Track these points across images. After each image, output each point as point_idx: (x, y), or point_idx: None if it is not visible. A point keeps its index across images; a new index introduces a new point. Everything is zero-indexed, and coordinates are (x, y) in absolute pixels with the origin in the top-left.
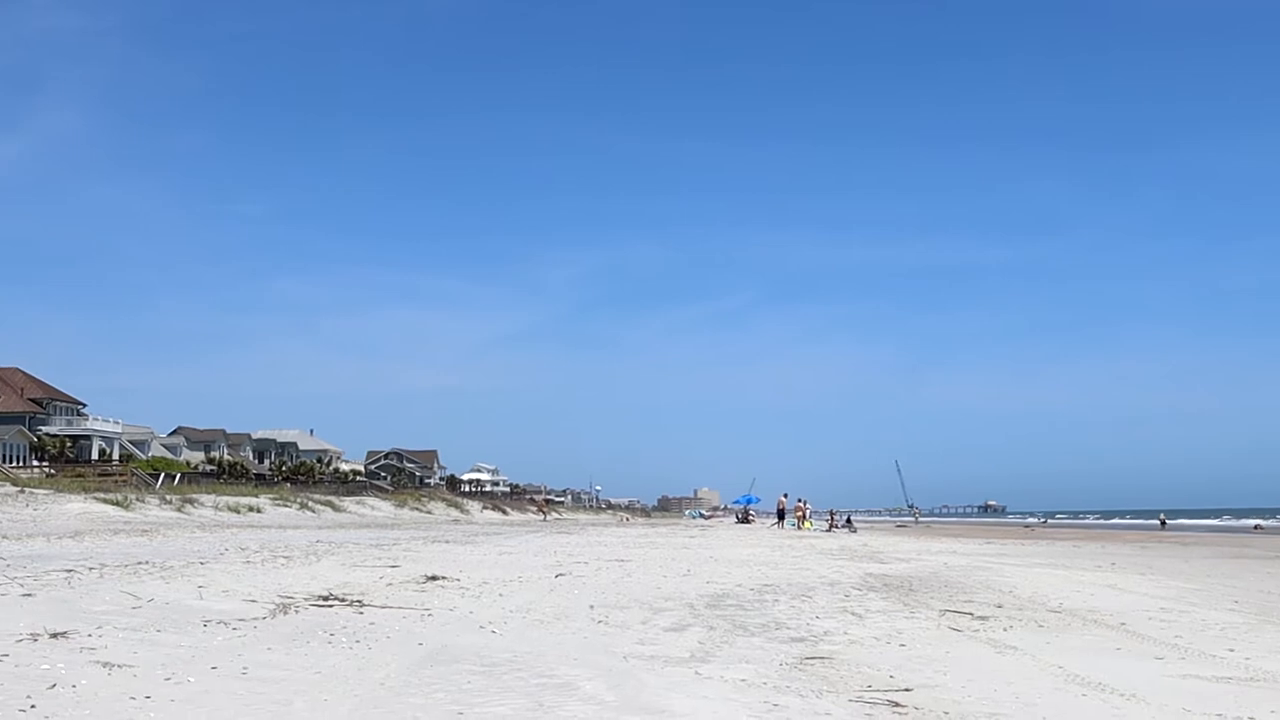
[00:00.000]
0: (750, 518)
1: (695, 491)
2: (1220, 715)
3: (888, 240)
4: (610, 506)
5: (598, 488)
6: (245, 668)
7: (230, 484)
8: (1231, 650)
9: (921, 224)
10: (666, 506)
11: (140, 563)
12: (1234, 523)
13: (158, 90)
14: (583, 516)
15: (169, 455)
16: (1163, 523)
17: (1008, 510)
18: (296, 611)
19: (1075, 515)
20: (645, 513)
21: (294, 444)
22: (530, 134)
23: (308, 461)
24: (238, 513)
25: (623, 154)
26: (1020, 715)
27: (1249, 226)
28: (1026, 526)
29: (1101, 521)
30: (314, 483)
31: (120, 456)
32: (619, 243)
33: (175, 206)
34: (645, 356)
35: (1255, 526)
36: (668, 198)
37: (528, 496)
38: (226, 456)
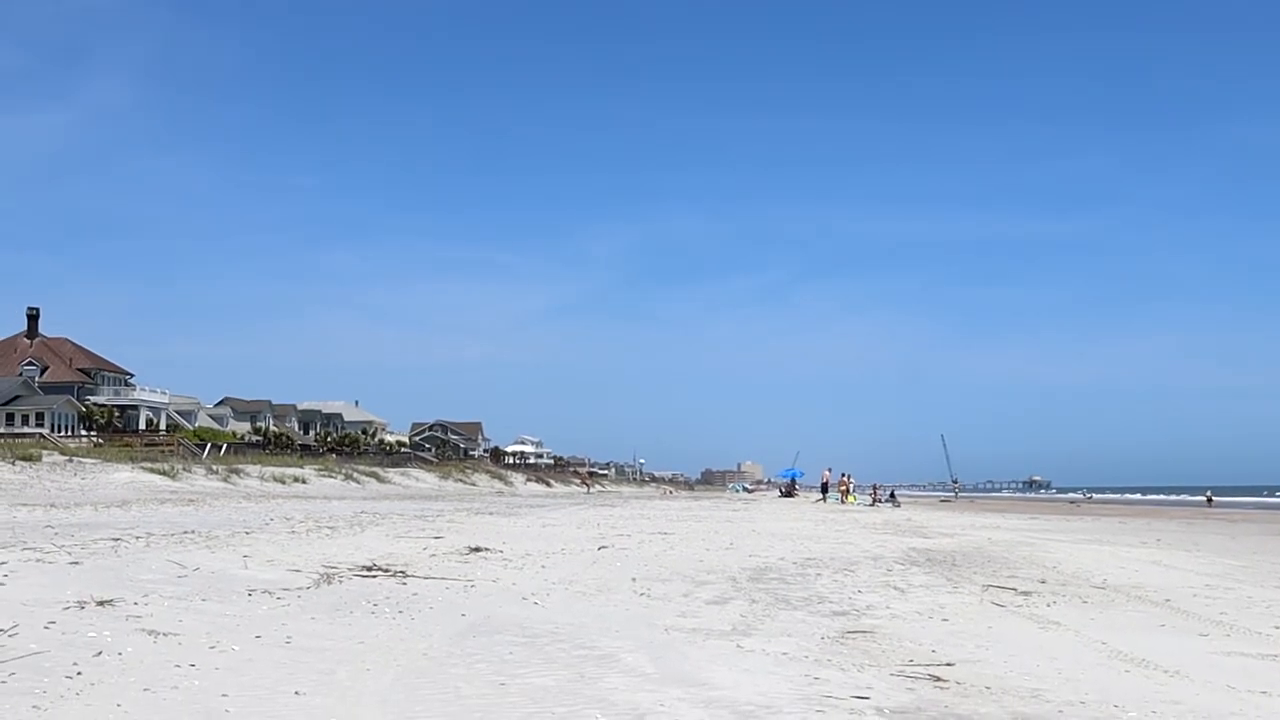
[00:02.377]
0: (794, 492)
1: (739, 465)
2: (1265, 692)
3: (931, 214)
4: (653, 480)
5: (641, 461)
6: (289, 637)
7: (276, 454)
8: (1278, 628)
9: (965, 198)
10: (710, 480)
11: (186, 532)
12: None
13: (207, 62)
14: (626, 489)
15: (215, 425)
16: (1209, 500)
17: (1052, 486)
18: (340, 582)
19: (1120, 491)
20: (689, 486)
21: (339, 415)
22: (573, 109)
23: (352, 433)
24: (283, 483)
25: (664, 128)
26: (1062, 691)
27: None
28: (1071, 502)
29: (1146, 498)
30: (359, 454)
31: (167, 426)
32: (661, 216)
33: (224, 178)
34: (688, 329)
35: None
36: (709, 171)
37: (571, 469)
38: (272, 427)
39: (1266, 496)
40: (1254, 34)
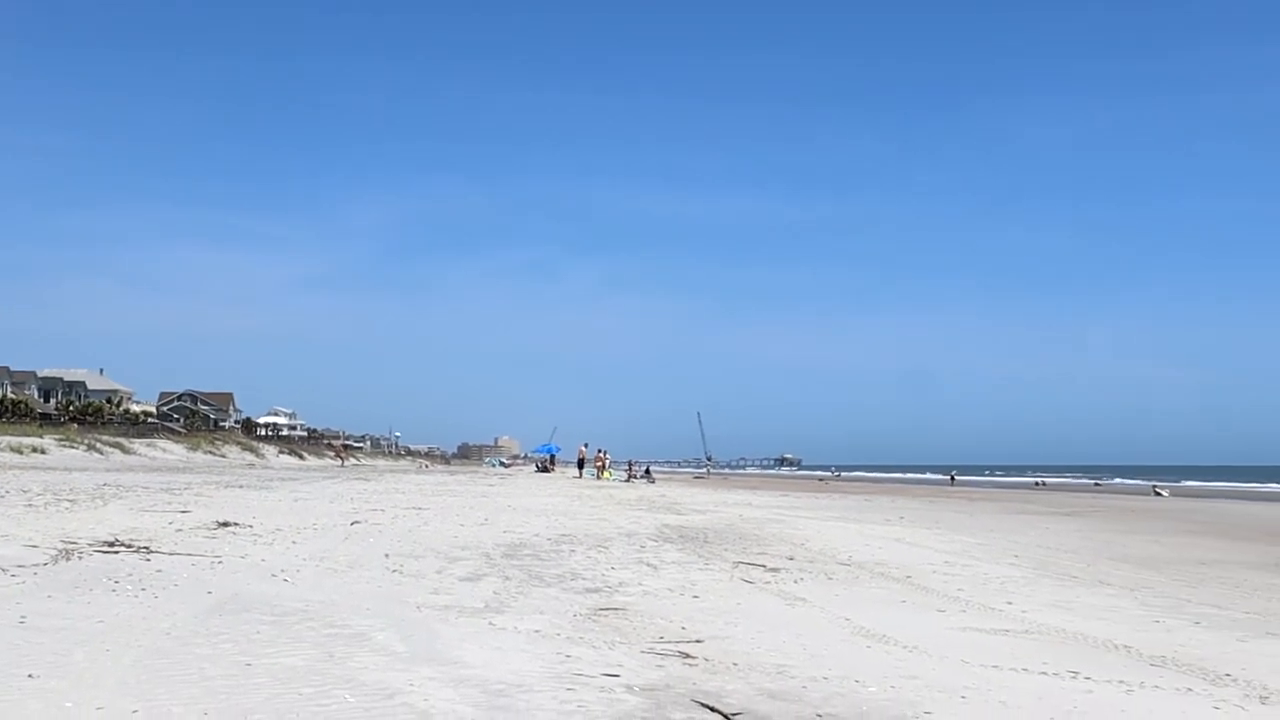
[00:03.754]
0: (551, 467)
1: (496, 439)
2: (996, 666)
3: (694, 195)
4: (410, 453)
5: (397, 434)
6: (23, 616)
7: (13, 423)
8: (1010, 603)
9: (727, 178)
10: (466, 454)
11: None
12: (1018, 479)
13: None
14: (381, 463)
15: None
16: (953, 479)
17: (803, 463)
18: (80, 558)
19: (868, 470)
20: (445, 460)
21: (82, 383)
22: (341, 73)
23: (97, 402)
24: (20, 453)
25: (431, 99)
26: (807, 666)
27: (1021, 189)
28: (820, 479)
29: (892, 475)
30: (103, 424)
31: None
32: (424, 188)
33: None
34: (449, 302)
35: (1037, 483)
36: (476, 144)
37: (326, 442)
38: (10, 394)
39: (999, 476)
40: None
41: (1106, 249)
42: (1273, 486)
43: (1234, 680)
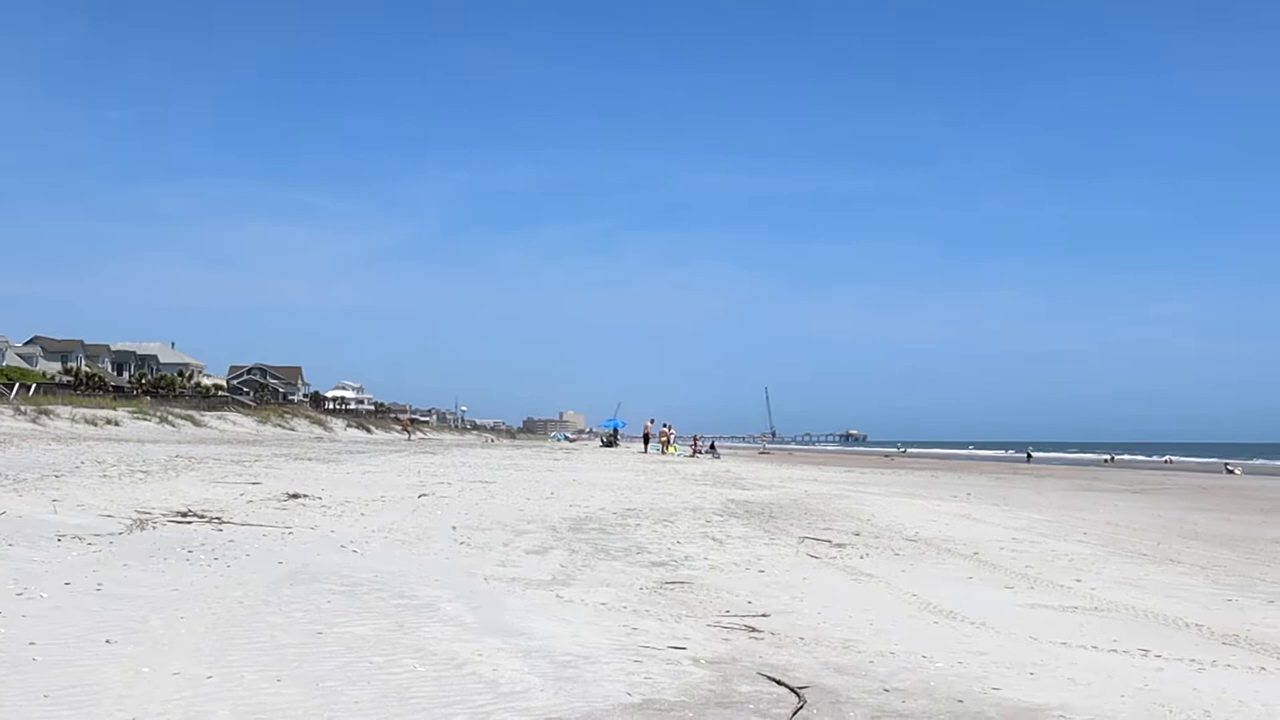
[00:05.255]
0: (616, 442)
1: (561, 414)
2: (1065, 643)
3: (759, 168)
4: (475, 427)
5: (463, 408)
6: (100, 584)
7: (88, 396)
8: (1078, 580)
9: (793, 152)
10: (532, 428)
11: None
12: (1087, 456)
13: None
14: (447, 437)
15: (24, 365)
16: (1029, 456)
17: (869, 439)
18: (154, 527)
19: (934, 446)
20: (510, 434)
21: (154, 357)
22: (402, 52)
23: (169, 375)
24: (95, 425)
25: (496, 75)
26: (874, 641)
27: (1117, 166)
28: (886, 455)
29: (960, 452)
30: (175, 397)
31: None
32: (489, 163)
33: (32, 111)
34: (514, 277)
35: (1106, 460)
36: (539, 119)
37: (392, 415)
38: (85, 368)
39: (1074, 453)
40: None
41: (1175, 224)
42: None
43: None
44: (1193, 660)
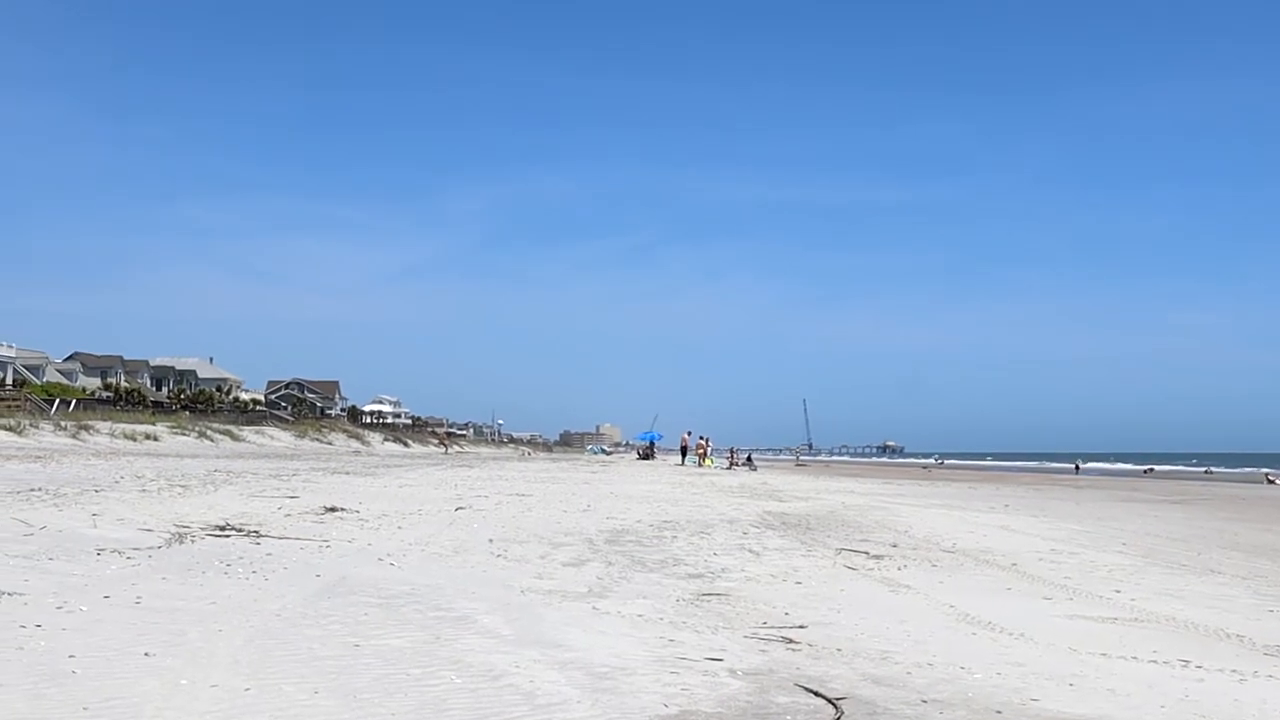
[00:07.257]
0: (652, 454)
1: (597, 427)
2: (1105, 654)
3: (793, 179)
4: (512, 440)
5: (500, 421)
6: (139, 597)
7: (127, 411)
8: (1118, 591)
9: (826, 163)
10: (568, 441)
11: (33, 489)
12: (1126, 466)
13: (46, 3)
14: (484, 450)
15: (64, 381)
16: (1077, 467)
17: (905, 450)
18: (192, 541)
19: (971, 458)
20: (547, 447)
21: (193, 372)
22: (436, 67)
23: (207, 390)
24: (134, 440)
25: (532, 88)
26: (912, 653)
27: (1146, 176)
28: (923, 467)
29: (999, 464)
30: (213, 411)
31: (14, 381)
32: (526, 177)
33: (70, 125)
34: (550, 291)
35: (1145, 470)
36: (575, 132)
37: (429, 429)
38: (124, 383)
39: (1113, 464)
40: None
41: (1212, 233)
42: None
43: None
44: (1234, 671)
